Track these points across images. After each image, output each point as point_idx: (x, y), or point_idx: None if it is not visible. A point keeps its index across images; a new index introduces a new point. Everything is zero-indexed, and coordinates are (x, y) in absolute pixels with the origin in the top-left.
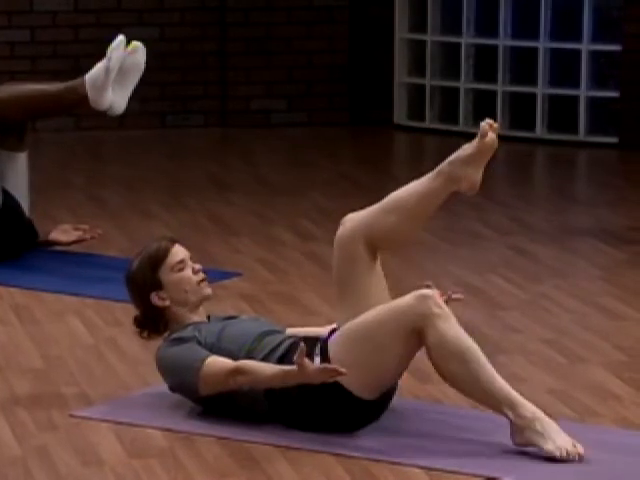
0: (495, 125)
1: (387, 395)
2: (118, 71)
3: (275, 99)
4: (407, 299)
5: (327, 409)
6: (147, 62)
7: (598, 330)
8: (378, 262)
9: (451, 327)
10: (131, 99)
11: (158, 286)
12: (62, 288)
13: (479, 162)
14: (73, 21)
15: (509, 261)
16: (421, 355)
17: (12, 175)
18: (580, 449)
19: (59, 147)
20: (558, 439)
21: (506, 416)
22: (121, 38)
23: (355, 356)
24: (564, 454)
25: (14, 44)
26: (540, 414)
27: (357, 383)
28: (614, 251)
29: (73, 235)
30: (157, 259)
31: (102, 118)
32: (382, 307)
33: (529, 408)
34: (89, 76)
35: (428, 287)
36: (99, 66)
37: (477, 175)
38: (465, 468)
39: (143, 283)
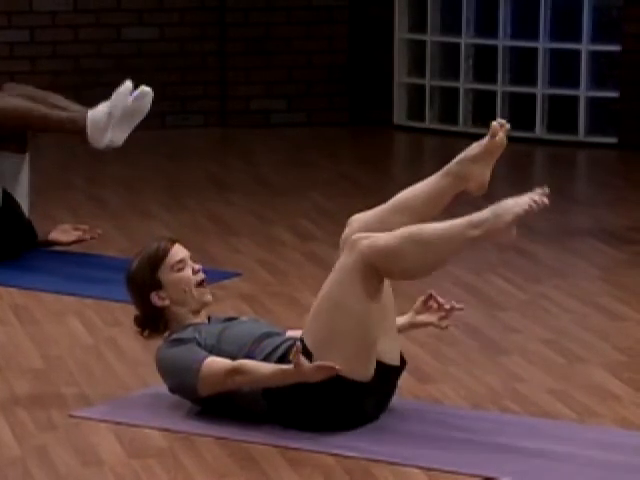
0: (507, 125)
1: (385, 393)
2: (123, 111)
3: (275, 99)
4: (344, 255)
5: (325, 402)
6: (147, 62)
7: (598, 330)
8: None
9: (381, 239)
10: None
11: (158, 286)
12: (62, 288)
13: (487, 161)
14: (72, 21)
15: (508, 261)
16: (421, 355)
17: (13, 176)
18: (543, 190)
19: (59, 148)
20: (519, 201)
21: (480, 238)
22: (128, 85)
23: (328, 329)
24: (533, 204)
25: (13, 44)
26: (493, 205)
27: (343, 359)
28: (614, 251)
29: (73, 235)
30: (157, 259)
31: None
32: (330, 276)
33: (484, 211)
34: (91, 115)
35: (431, 297)
36: (102, 108)
37: (485, 174)
38: (464, 468)
39: (143, 283)
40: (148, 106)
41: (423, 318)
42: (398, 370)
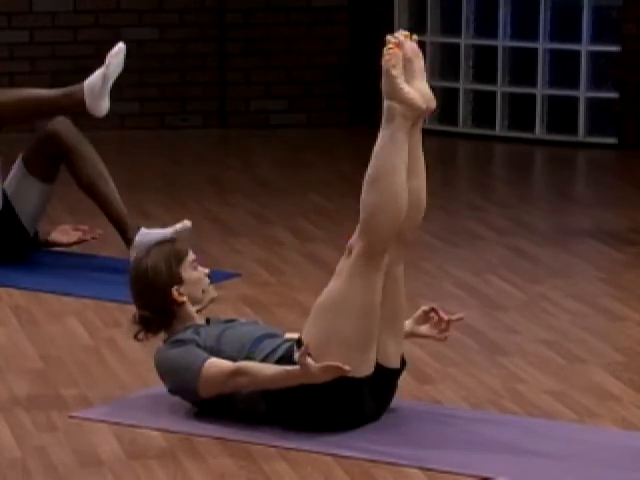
0: (413, 35)
1: (386, 393)
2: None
3: (274, 100)
4: (342, 260)
5: (324, 401)
6: (146, 63)
7: (597, 331)
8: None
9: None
10: (130, 99)
11: (180, 281)
12: (61, 289)
13: (413, 73)
14: (72, 22)
15: (508, 262)
16: (421, 356)
17: (31, 200)
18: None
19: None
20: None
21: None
22: (121, 45)
23: (330, 328)
24: (389, 45)
25: (13, 45)
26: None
27: (343, 358)
28: (613, 252)
29: (73, 236)
30: (180, 255)
31: (101, 118)
32: (331, 280)
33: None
34: (87, 82)
35: (433, 310)
36: (97, 73)
37: (424, 87)
38: (463, 469)
39: (168, 276)
40: (122, 62)
41: (424, 330)
42: (398, 372)
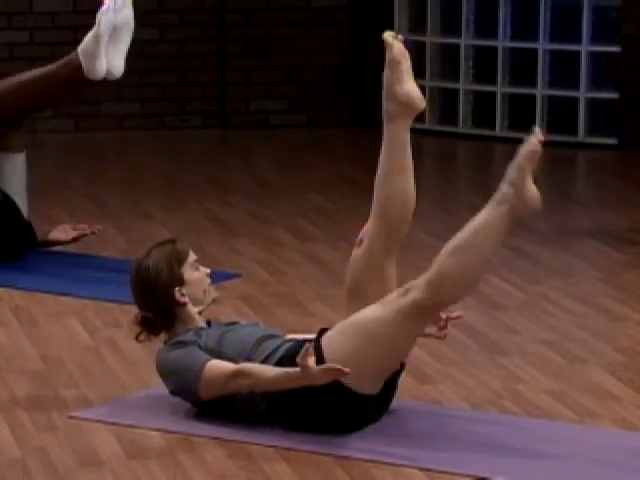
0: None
1: (386, 393)
2: (110, 31)
3: (274, 100)
4: (396, 294)
5: (326, 408)
6: (146, 64)
7: (597, 331)
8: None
9: (424, 277)
10: (130, 100)
11: (181, 282)
12: (61, 289)
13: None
14: (72, 22)
15: (508, 262)
16: (421, 356)
17: (10, 176)
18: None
19: (58, 148)
20: (520, 153)
21: (511, 209)
22: (109, 3)
23: (356, 352)
24: (533, 146)
25: (13, 45)
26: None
27: (359, 378)
28: (613, 252)
29: (73, 233)
30: (181, 255)
31: (102, 119)
32: (374, 306)
33: (499, 189)
34: (81, 46)
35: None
36: (89, 34)
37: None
38: (463, 469)
39: (169, 277)
40: (132, 17)
41: None
42: (398, 373)
